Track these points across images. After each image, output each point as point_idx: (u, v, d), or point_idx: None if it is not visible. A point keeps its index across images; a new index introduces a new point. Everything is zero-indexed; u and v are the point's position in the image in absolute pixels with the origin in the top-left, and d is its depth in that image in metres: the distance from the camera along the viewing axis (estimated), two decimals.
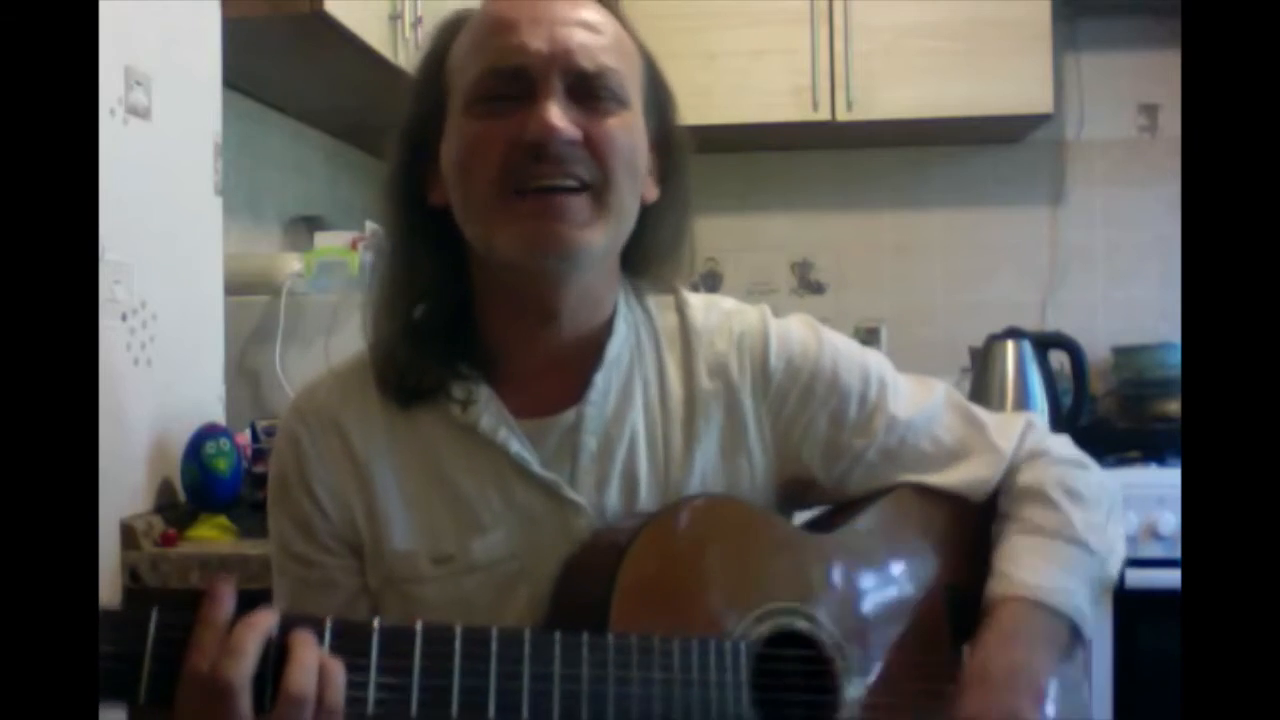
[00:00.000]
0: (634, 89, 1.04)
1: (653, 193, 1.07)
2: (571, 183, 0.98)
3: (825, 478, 1.12)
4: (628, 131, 1.01)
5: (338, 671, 0.83)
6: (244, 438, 1.76)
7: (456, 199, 1.02)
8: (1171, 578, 2.26)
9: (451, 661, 0.86)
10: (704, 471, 1.07)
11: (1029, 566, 1.06)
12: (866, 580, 1.08)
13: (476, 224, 1.01)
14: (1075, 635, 1.06)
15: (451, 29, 1.07)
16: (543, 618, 1.00)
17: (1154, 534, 2.41)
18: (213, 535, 1.65)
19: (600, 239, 1.00)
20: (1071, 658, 1.08)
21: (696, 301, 1.15)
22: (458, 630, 0.87)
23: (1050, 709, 1.02)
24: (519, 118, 0.98)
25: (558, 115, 0.97)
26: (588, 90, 1.00)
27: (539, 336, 1.05)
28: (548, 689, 0.88)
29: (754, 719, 0.97)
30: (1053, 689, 1.02)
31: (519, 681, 0.88)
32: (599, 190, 0.99)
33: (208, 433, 1.67)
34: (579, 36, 1.00)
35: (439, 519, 1.04)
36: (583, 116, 0.99)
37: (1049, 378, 2.78)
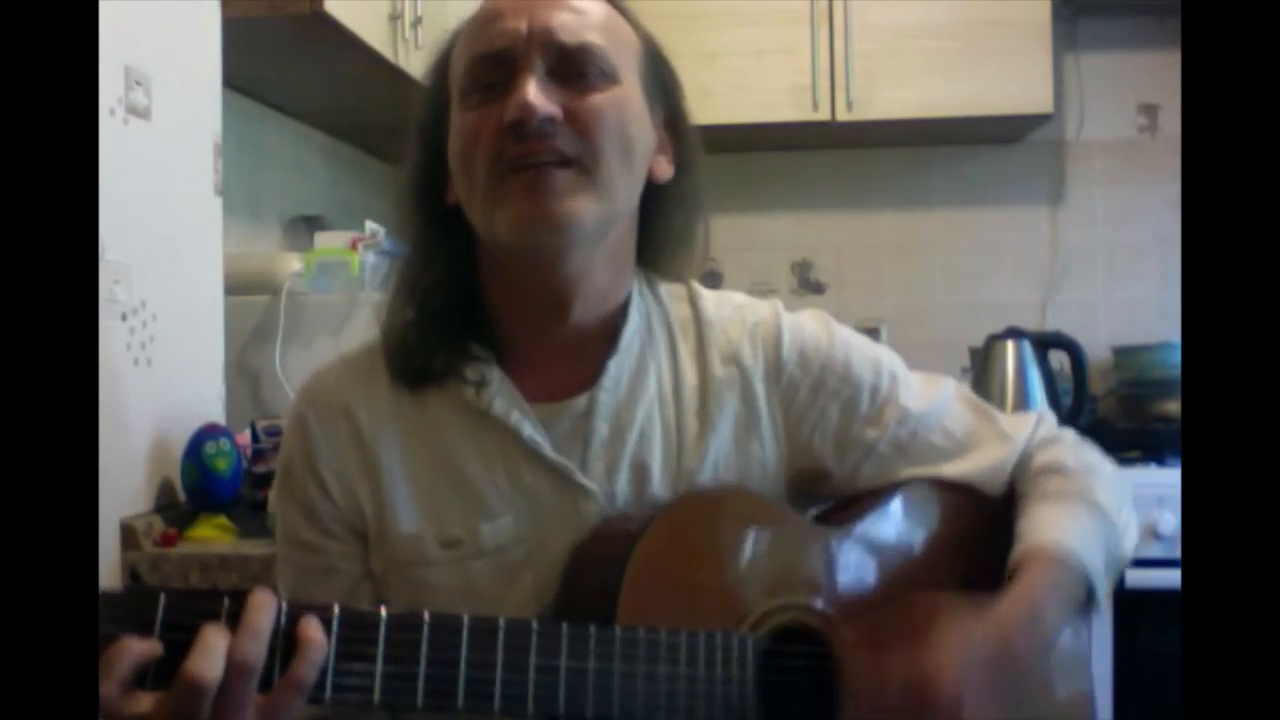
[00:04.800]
0: (627, 67, 1.04)
1: (666, 170, 1.08)
2: (552, 158, 0.98)
3: (836, 470, 1.13)
4: (617, 107, 1.01)
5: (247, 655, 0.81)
6: (244, 438, 1.76)
7: (461, 191, 1.04)
8: (1171, 578, 2.26)
9: (459, 651, 0.86)
10: (717, 460, 1.08)
11: (1046, 526, 1.06)
12: (876, 575, 1.08)
13: (478, 212, 1.02)
14: (1089, 597, 1.06)
15: (455, 36, 1.08)
16: (550, 604, 1.00)
17: (1154, 534, 2.41)
18: (213, 535, 1.65)
19: (589, 210, 0.99)
20: (1083, 619, 1.08)
21: (709, 294, 1.16)
22: (465, 620, 0.87)
23: (1049, 655, 1.03)
24: (504, 102, 0.99)
25: (534, 93, 0.97)
26: (571, 67, 1.00)
27: (550, 325, 1.06)
28: (553, 680, 0.89)
29: (759, 715, 0.97)
30: (1057, 631, 1.03)
31: (525, 673, 0.88)
32: (585, 165, 0.99)
33: (208, 433, 1.67)
34: (560, 16, 1.01)
35: (446, 503, 1.04)
36: (565, 94, 0.99)
37: (1049, 378, 2.78)
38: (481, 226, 1.02)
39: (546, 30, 1.00)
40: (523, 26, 1.00)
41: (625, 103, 1.03)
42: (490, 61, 1.01)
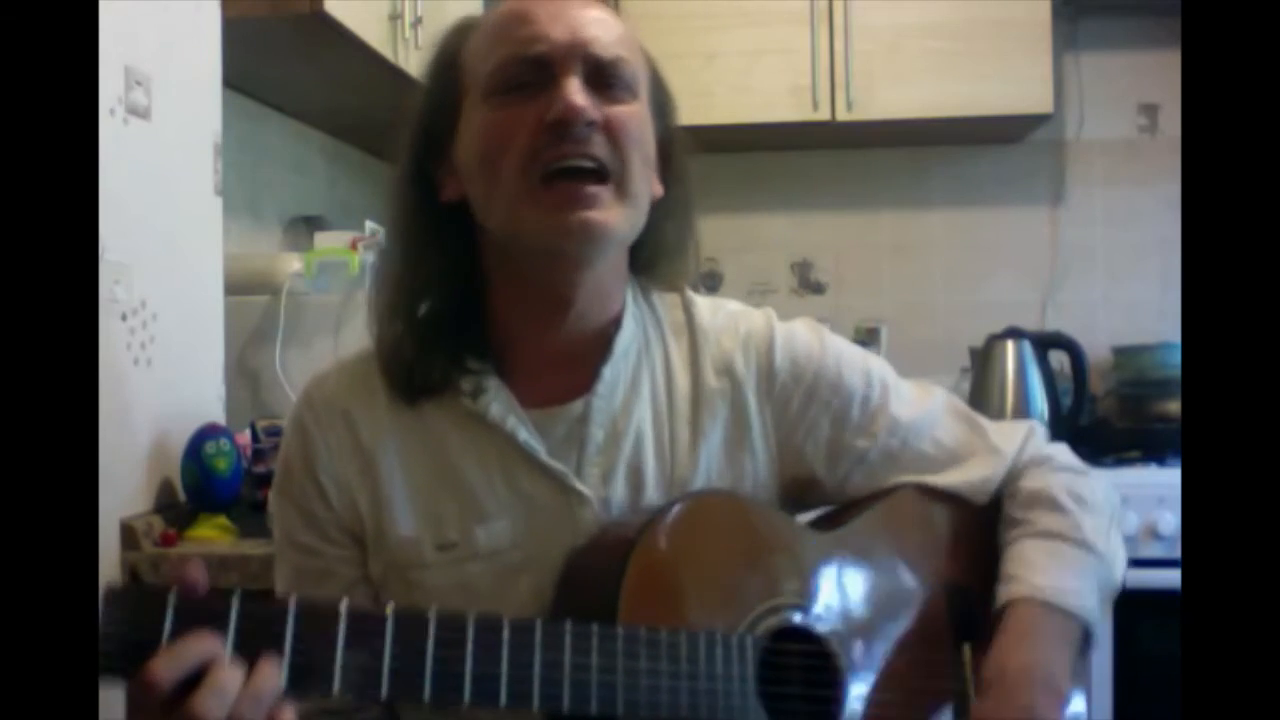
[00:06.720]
0: (642, 85, 1.07)
1: (658, 189, 1.10)
2: (590, 164, 1.00)
3: (828, 478, 1.14)
4: (639, 120, 1.05)
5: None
6: (244, 438, 1.77)
7: (479, 190, 1.04)
8: (1171, 578, 2.24)
9: (464, 648, 0.86)
10: (709, 467, 1.09)
11: (1040, 569, 1.07)
12: (869, 578, 1.09)
13: (502, 212, 1.03)
14: (1085, 638, 1.07)
15: (463, 31, 1.09)
16: (546, 607, 1.00)
17: (1154, 534, 2.41)
18: (213, 535, 1.65)
19: (622, 224, 1.03)
20: (1081, 660, 1.08)
21: (703, 302, 1.17)
22: (470, 617, 0.87)
23: (1069, 707, 1.03)
24: (542, 101, 1.00)
25: (580, 95, 1.00)
26: (604, 78, 1.03)
27: (549, 328, 1.07)
28: (558, 677, 0.89)
29: (759, 712, 0.98)
30: (1070, 687, 1.03)
31: (530, 670, 0.88)
32: (618, 176, 1.01)
33: (208, 433, 1.67)
34: (595, 29, 1.04)
35: (443, 506, 1.05)
36: (599, 102, 1.02)
37: (1049, 378, 2.78)
38: (504, 226, 1.03)
39: (586, 42, 1.02)
40: (562, 34, 1.02)
41: (644, 116, 1.06)
42: (526, 64, 1.02)
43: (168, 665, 0.78)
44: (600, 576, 0.97)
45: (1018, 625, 1.04)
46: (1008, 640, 1.04)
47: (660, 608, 0.96)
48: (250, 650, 0.81)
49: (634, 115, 1.04)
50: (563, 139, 0.99)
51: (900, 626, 1.08)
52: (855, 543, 1.10)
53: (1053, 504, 1.11)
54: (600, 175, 1.00)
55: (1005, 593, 1.07)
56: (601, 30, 1.04)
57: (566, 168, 0.99)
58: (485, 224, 1.05)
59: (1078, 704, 1.09)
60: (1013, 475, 1.15)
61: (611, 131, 1.01)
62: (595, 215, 1.00)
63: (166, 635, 0.79)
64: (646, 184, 1.05)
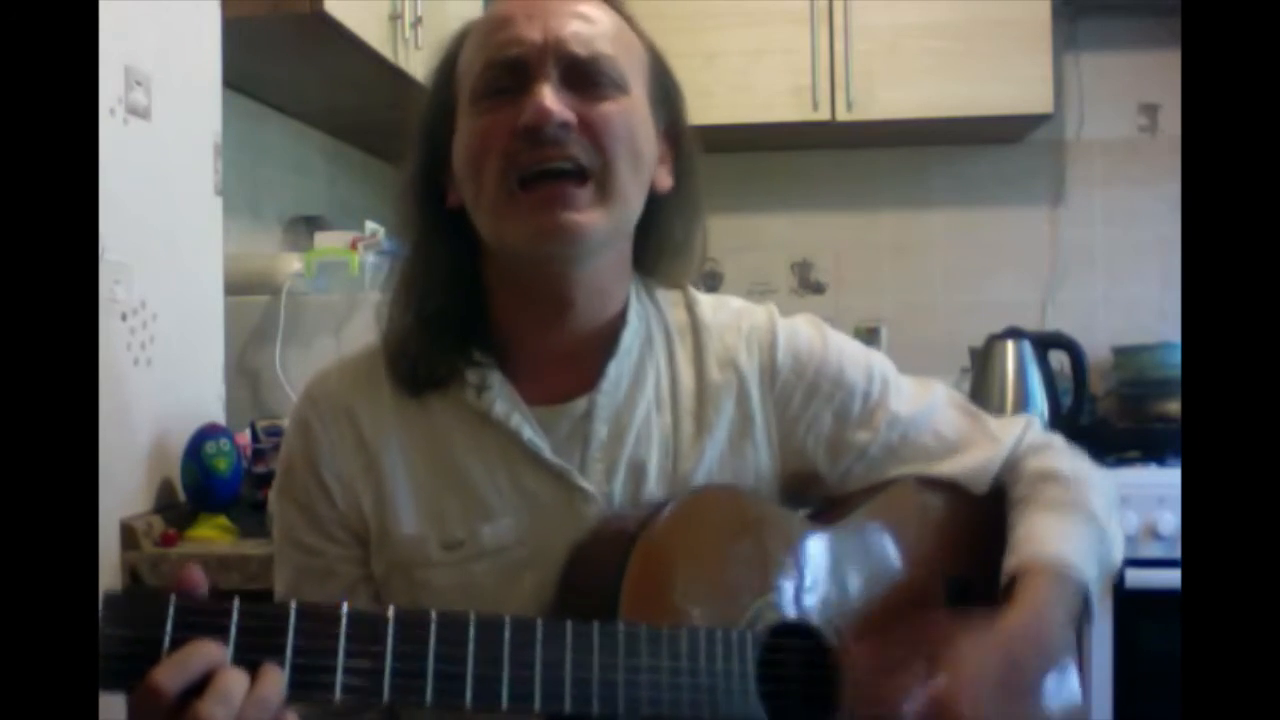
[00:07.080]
0: (635, 77, 1.05)
1: (666, 181, 1.10)
2: (568, 165, 0.99)
3: (828, 473, 1.14)
4: (626, 116, 1.03)
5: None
6: (244, 438, 1.77)
7: (468, 196, 1.04)
8: (1171, 578, 2.26)
9: (465, 649, 0.86)
10: (712, 462, 1.09)
11: (1046, 538, 1.08)
12: (868, 571, 1.09)
13: (486, 218, 1.03)
14: (1084, 608, 1.07)
15: (460, 37, 1.09)
16: (550, 604, 1.00)
17: (1154, 534, 2.41)
18: (213, 535, 1.65)
19: (603, 223, 1.01)
20: (1075, 630, 1.09)
21: (705, 300, 1.17)
22: (471, 618, 0.87)
23: (1060, 669, 1.03)
24: (519, 106, 1.00)
25: (550, 98, 0.99)
26: (583, 76, 1.02)
27: (552, 327, 1.07)
28: (560, 676, 0.89)
29: (759, 707, 0.98)
30: (1063, 648, 1.03)
31: (531, 669, 0.88)
32: (599, 176, 1.01)
33: (208, 433, 1.67)
34: (572, 26, 1.02)
35: (448, 505, 1.05)
36: (579, 102, 1.01)
37: (1049, 378, 2.78)
38: (490, 233, 1.03)
39: (561, 40, 1.01)
40: (537, 35, 1.01)
41: (634, 112, 1.04)
42: (503, 68, 1.01)
43: (172, 673, 0.77)
44: (602, 571, 0.97)
45: (1022, 591, 1.05)
46: (1012, 603, 1.04)
47: (662, 602, 0.96)
48: (252, 655, 0.80)
49: (619, 112, 1.02)
50: (537, 143, 0.99)
51: (901, 618, 1.08)
52: (854, 536, 1.10)
53: (1058, 479, 1.13)
54: (579, 176, 1.00)
55: (1011, 563, 1.08)
56: (581, 25, 1.03)
57: (543, 170, 0.99)
58: (477, 227, 1.05)
59: (1071, 678, 1.09)
60: (1014, 460, 1.16)
61: (591, 131, 1.00)
62: (574, 216, 0.99)
63: (168, 643, 0.78)
64: (636, 181, 1.04)
